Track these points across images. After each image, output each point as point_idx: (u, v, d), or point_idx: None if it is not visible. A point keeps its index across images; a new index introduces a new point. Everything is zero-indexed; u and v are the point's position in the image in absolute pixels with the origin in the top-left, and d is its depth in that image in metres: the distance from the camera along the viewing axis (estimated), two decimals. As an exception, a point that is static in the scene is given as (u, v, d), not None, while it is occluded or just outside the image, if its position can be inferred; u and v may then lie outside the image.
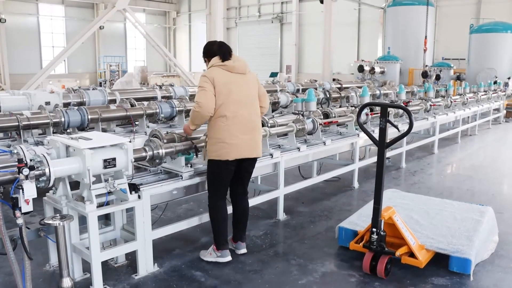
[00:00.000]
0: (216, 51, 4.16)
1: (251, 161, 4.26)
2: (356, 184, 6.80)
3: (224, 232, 4.22)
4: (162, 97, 8.79)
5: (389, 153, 7.79)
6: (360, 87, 9.59)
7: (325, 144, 5.90)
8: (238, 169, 4.18)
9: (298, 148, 5.52)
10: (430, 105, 9.15)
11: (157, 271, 4.04)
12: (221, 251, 4.20)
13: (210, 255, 4.25)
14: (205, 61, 4.27)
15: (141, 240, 3.86)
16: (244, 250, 4.38)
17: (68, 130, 6.11)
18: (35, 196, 3.07)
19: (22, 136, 5.73)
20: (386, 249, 3.90)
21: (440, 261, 4.07)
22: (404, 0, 19.07)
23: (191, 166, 4.35)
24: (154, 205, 4.14)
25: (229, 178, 4.20)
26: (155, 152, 4.07)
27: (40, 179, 3.20)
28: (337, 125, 6.70)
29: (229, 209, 4.39)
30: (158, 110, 7.01)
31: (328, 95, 9.88)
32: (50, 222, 3.22)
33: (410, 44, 18.56)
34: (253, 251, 4.45)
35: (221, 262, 4.19)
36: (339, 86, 12.79)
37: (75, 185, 3.70)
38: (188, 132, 4.32)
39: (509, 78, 16.27)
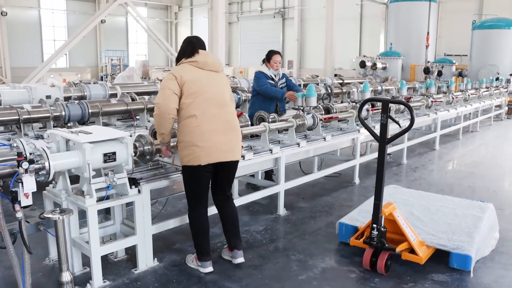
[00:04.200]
0: (188, 46, 3.83)
1: (230, 165, 3.85)
2: (357, 180, 6.79)
3: (203, 244, 3.92)
4: (163, 92, 8.76)
5: (390, 149, 7.79)
6: (361, 83, 9.57)
7: (325, 140, 5.89)
8: (216, 174, 3.86)
9: (298, 144, 5.51)
10: (432, 101, 9.13)
11: (157, 265, 4.04)
12: (202, 262, 3.94)
13: (192, 262, 4.04)
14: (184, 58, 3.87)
15: (141, 235, 3.86)
16: (241, 260, 4.04)
17: (68, 124, 6.11)
18: (35, 190, 3.07)
19: (22, 129, 5.73)
20: (386, 245, 3.89)
21: (440, 257, 4.06)
22: (407, -4, 19.00)
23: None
24: (154, 200, 4.14)
25: (207, 184, 3.88)
26: (145, 148, 3.97)
27: (40, 173, 3.20)
28: (338, 121, 6.68)
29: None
30: (159, 105, 6.98)
31: (329, 91, 9.86)
32: (49, 216, 3.21)
33: (412, 40, 18.48)
34: (253, 246, 4.45)
35: (222, 256, 4.20)
36: (340, 81, 12.77)
37: (75, 179, 3.69)
38: (164, 153, 3.97)
39: (511, 75, 16.20)
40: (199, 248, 3.94)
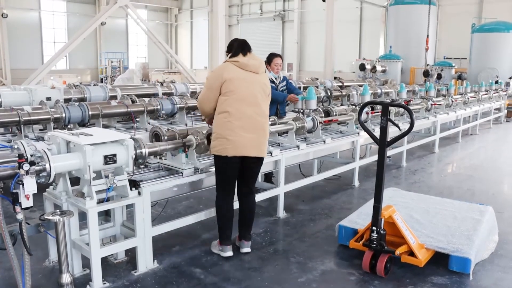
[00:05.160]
0: (236, 47, 4.20)
1: (255, 160, 4.20)
2: (356, 183, 6.79)
3: (225, 229, 4.25)
4: (163, 94, 8.80)
5: (389, 152, 7.79)
6: (361, 86, 9.58)
7: (324, 143, 5.90)
8: (242, 167, 4.19)
9: (298, 146, 5.52)
10: (431, 104, 9.14)
11: (157, 267, 4.04)
12: (222, 246, 4.27)
13: (215, 246, 4.37)
14: (226, 55, 4.35)
15: (141, 237, 3.86)
16: (246, 249, 4.37)
17: (69, 126, 6.11)
18: (35, 191, 3.08)
19: (22, 131, 5.73)
20: (386, 247, 3.90)
21: (439, 260, 4.07)
22: (406, -1, 19.06)
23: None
24: (154, 202, 4.14)
25: (233, 175, 4.20)
26: (137, 151, 3.91)
27: (41, 174, 3.20)
28: (338, 123, 6.69)
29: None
30: (159, 107, 7.01)
31: (329, 93, 9.87)
32: (50, 217, 3.22)
33: (411, 43, 18.53)
34: (253, 249, 4.45)
35: (222, 258, 4.24)
36: (340, 84, 12.79)
37: (75, 180, 3.70)
38: (208, 123, 4.47)
39: (510, 78, 16.25)
40: (221, 233, 4.27)
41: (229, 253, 4.25)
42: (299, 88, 11.30)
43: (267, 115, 4.26)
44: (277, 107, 6.26)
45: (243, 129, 4.00)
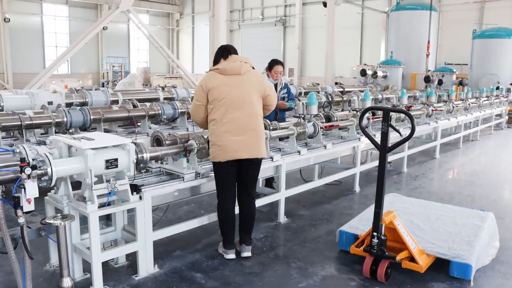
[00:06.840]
0: (217, 54, 4.32)
1: (249, 162, 4.23)
2: (357, 188, 6.79)
3: (227, 233, 4.34)
4: (165, 99, 8.84)
5: (390, 158, 7.79)
6: (362, 91, 9.60)
7: (325, 148, 5.91)
8: (239, 171, 4.24)
9: (299, 152, 5.53)
10: (432, 110, 9.15)
11: (157, 272, 4.04)
12: (225, 249, 4.37)
13: (220, 247, 4.47)
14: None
15: (141, 241, 3.86)
16: (247, 254, 4.40)
17: (70, 130, 6.13)
18: (37, 195, 3.09)
19: (24, 135, 5.76)
20: (386, 253, 3.90)
21: (440, 266, 4.06)
22: (407, 5, 19.09)
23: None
24: (155, 206, 4.15)
25: (230, 179, 4.26)
26: (139, 156, 3.87)
27: (42, 178, 3.21)
28: (339, 129, 6.70)
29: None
30: (160, 112, 7.04)
31: (330, 99, 9.89)
32: (51, 221, 3.23)
33: (412, 49, 18.56)
34: (254, 254, 4.45)
35: (223, 263, 4.25)
36: (341, 89, 12.82)
37: (76, 185, 3.71)
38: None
39: (511, 84, 16.25)
40: (223, 236, 4.38)
41: (231, 255, 4.34)
42: (300, 93, 11.35)
43: (258, 115, 4.25)
44: (276, 112, 6.28)
45: (231, 133, 4.08)
